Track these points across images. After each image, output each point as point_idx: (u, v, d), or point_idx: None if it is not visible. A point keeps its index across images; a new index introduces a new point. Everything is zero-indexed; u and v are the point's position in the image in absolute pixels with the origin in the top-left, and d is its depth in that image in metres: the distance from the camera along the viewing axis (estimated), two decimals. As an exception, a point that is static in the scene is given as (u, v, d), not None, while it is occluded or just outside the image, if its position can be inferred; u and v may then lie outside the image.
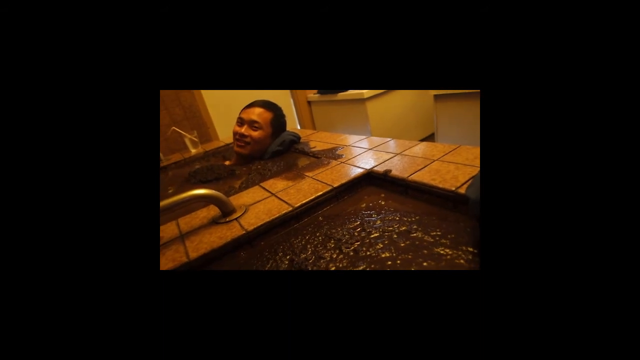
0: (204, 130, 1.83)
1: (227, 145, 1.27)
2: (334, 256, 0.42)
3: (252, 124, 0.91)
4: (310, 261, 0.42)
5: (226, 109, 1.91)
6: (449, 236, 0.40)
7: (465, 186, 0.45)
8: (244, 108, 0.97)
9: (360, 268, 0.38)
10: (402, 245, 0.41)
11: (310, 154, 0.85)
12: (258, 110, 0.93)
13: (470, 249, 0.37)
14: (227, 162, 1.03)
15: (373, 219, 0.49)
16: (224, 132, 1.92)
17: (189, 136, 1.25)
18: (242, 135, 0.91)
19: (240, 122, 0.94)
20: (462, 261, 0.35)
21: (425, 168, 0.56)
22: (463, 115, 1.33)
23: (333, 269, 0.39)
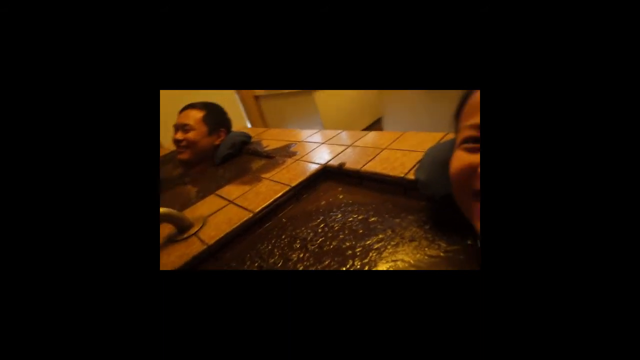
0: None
1: (172, 152, 1.19)
2: (301, 255, 0.43)
3: (184, 127, 0.89)
4: (279, 265, 0.42)
5: (163, 115, 1.77)
6: (401, 214, 0.44)
7: (413, 171, 0.49)
8: (178, 114, 0.94)
9: (326, 262, 0.40)
10: (361, 232, 0.43)
11: (264, 154, 0.84)
12: (187, 112, 0.91)
13: (418, 225, 0.40)
14: (177, 171, 0.97)
15: (333, 213, 0.50)
16: (166, 138, 1.78)
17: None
18: (178, 141, 0.90)
19: (175, 128, 0.91)
20: (409, 233, 0.40)
21: (376, 157, 0.59)
22: (408, 99, 1.42)
23: (300, 269, 0.40)
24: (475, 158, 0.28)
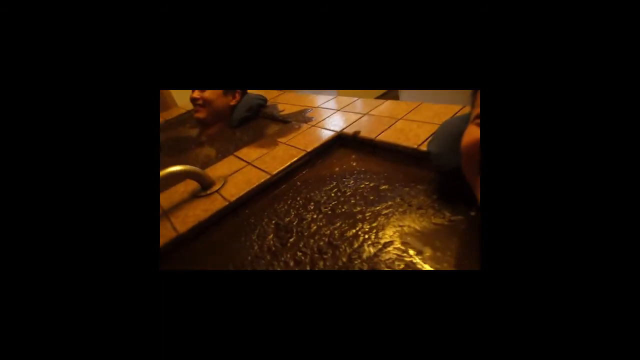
0: (161, 98, 1.69)
1: (189, 111, 1.21)
2: (315, 216, 0.47)
3: None
4: (295, 223, 0.47)
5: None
6: (411, 184, 0.47)
7: (426, 143, 0.51)
8: None
9: (337, 224, 0.44)
10: (372, 198, 0.46)
11: (280, 119, 0.86)
12: None
13: (427, 194, 0.43)
14: (194, 130, 1.00)
15: (346, 179, 0.53)
16: (182, 98, 1.79)
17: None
18: (195, 99, 0.92)
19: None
20: (417, 202, 0.43)
21: (391, 127, 0.60)
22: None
23: (314, 228, 0.44)
24: None
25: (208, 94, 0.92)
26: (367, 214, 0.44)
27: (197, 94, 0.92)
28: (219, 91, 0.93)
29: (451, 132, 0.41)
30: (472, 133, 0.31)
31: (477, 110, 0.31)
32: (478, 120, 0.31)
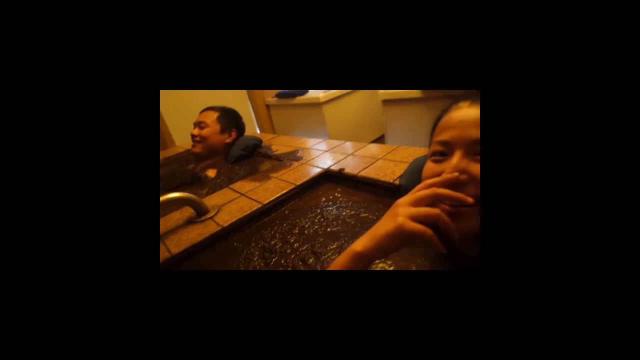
0: (160, 137, 1.79)
1: (187, 150, 1.29)
2: (298, 237, 0.51)
3: (200, 124, 1.02)
4: (279, 246, 0.51)
5: (180, 116, 1.88)
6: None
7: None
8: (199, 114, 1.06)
9: (320, 241, 0.48)
10: (352, 223, 0.52)
11: (274, 157, 0.93)
12: (206, 112, 1.05)
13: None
14: (190, 166, 1.07)
15: (330, 208, 0.59)
16: (181, 137, 1.89)
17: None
18: (193, 136, 1.02)
19: (194, 125, 1.04)
20: None
21: (372, 166, 0.68)
22: (408, 117, 1.51)
23: (296, 245, 0.49)
24: (439, 167, 0.35)
25: (206, 131, 1.01)
26: (349, 233, 0.49)
27: (196, 131, 1.02)
28: (216, 129, 1.02)
29: (416, 168, 0.48)
30: (428, 168, 0.37)
31: (432, 149, 0.38)
32: (433, 157, 0.37)
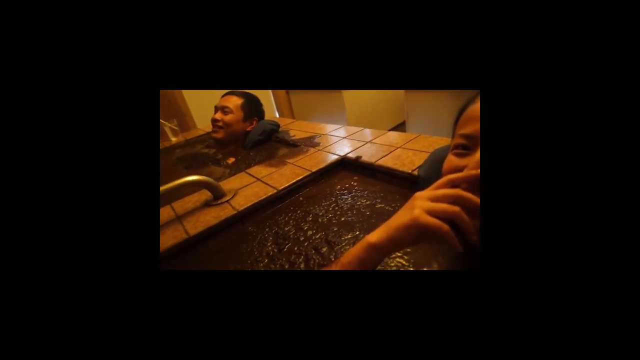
0: (182, 119, 1.83)
1: (208, 133, 1.31)
2: (312, 225, 0.51)
3: (224, 109, 1.00)
4: (292, 232, 0.51)
5: (202, 99, 1.91)
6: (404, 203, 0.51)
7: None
8: (220, 97, 1.05)
9: (334, 230, 0.48)
10: (367, 214, 0.51)
11: (291, 143, 0.93)
12: (229, 97, 1.02)
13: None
14: (212, 150, 1.08)
15: (345, 197, 0.58)
16: (202, 121, 1.93)
17: (169, 125, 1.27)
18: (215, 120, 1.01)
19: (216, 109, 1.02)
20: None
21: (390, 154, 0.66)
22: (430, 104, 1.45)
23: (310, 233, 0.49)
24: (461, 162, 0.33)
25: (229, 117, 1.00)
26: (363, 224, 0.48)
27: (219, 115, 1.00)
28: (239, 116, 1.01)
29: (437, 159, 0.46)
30: (450, 161, 0.36)
31: (455, 142, 0.36)
32: (455, 151, 0.35)
